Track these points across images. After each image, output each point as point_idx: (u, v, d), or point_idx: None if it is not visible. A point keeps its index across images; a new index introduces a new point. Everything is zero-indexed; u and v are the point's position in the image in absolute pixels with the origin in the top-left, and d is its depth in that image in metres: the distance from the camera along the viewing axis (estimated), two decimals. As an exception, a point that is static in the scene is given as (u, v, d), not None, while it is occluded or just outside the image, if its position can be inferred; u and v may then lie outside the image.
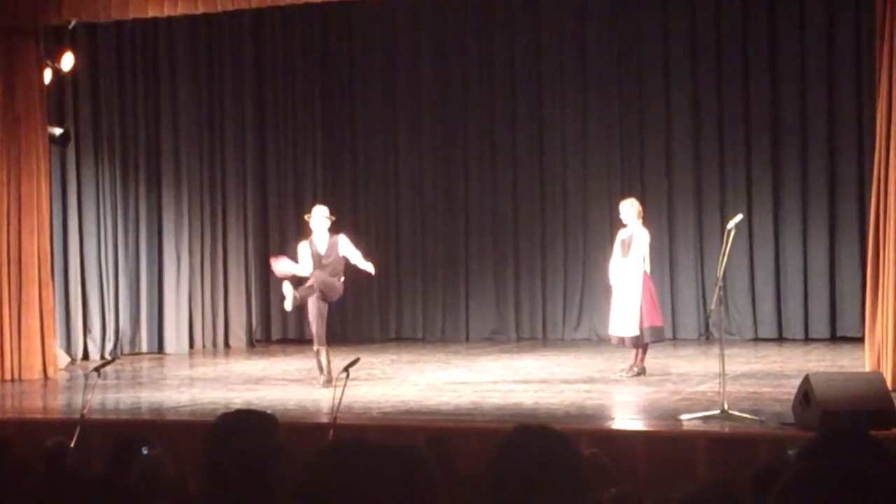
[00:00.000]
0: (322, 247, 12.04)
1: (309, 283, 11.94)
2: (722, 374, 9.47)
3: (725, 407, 9.18)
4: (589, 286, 16.49)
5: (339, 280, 12.11)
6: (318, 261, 11.97)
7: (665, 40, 16.37)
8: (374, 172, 17.60)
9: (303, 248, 12.12)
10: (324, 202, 12.82)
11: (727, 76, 16.08)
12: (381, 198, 17.57)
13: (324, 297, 11.97)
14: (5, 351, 13.32)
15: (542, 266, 17.00)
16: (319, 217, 12.13)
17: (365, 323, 17.31)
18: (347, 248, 12.09)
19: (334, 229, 12.29)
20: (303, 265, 12.07)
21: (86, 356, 15.33)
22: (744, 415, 9.13)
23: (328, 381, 11.60)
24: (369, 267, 12.16)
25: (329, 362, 11.82)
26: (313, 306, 11.98)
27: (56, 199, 14.87)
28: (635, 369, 12.12)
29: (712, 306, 9.84)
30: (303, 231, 13.13)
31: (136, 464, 4.88)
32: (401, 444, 2.83)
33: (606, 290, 12.92)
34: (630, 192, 14.73)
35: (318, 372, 12.05)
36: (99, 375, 9.26)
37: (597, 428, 9.33)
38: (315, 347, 12.06)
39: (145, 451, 5.78)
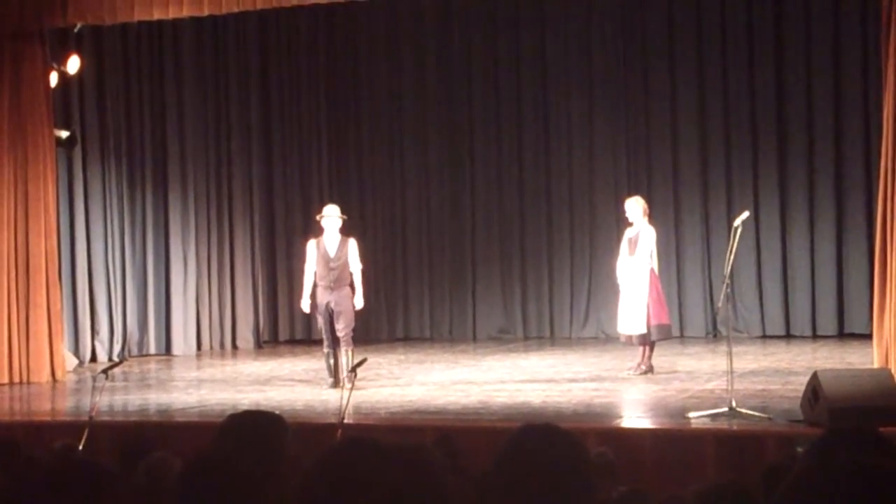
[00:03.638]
0: (332, 248, 11.80)
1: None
2: (730, 372, 9.47)
3: (733, 404, 9.17)
4: (596, 284, 16.47)
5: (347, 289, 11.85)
6: (326, 262, 11.75)
7: (670, 37, 16.35)
8: (380, 172, 17.59)
9: (310, 247, 11.90)
10: (331, 202, 12.72)
11: (733, 73, 16.06)
12: (387, 197, 17.56)
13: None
14: (13, 353, 13.33)
15: (548, 265, 16.98)
16: (331, 216, 11.89)
17: (372, 323, 17.28)
18: (353, 255, 11.84)
19: (345, 231, 12.11)
20: (309, 265, 11.92)
21: (93, 358, 15.32)
22: (752, 412, 9.12)
23: (336, 383, 11.53)
24: (358, 300, 11.86)
25: (349, 362, 11.40)
26: (349, 304, 11.80)
27: (63, 202, 14.88)
28: (643, 367, 12.11)
29: (720, 304, 9.83)
30: (309, 232, 13.09)
31: (142, 464, 4.89)
32: (408, 444, 2.83)
33: (614, 289, 12.90)
34: (636, 189, 14.71)
35: (325, 373, 12.03)
36: (107, 377, 9.26)
37: (604, 426, 9.33)
38: (325, 350, 11.96)
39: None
